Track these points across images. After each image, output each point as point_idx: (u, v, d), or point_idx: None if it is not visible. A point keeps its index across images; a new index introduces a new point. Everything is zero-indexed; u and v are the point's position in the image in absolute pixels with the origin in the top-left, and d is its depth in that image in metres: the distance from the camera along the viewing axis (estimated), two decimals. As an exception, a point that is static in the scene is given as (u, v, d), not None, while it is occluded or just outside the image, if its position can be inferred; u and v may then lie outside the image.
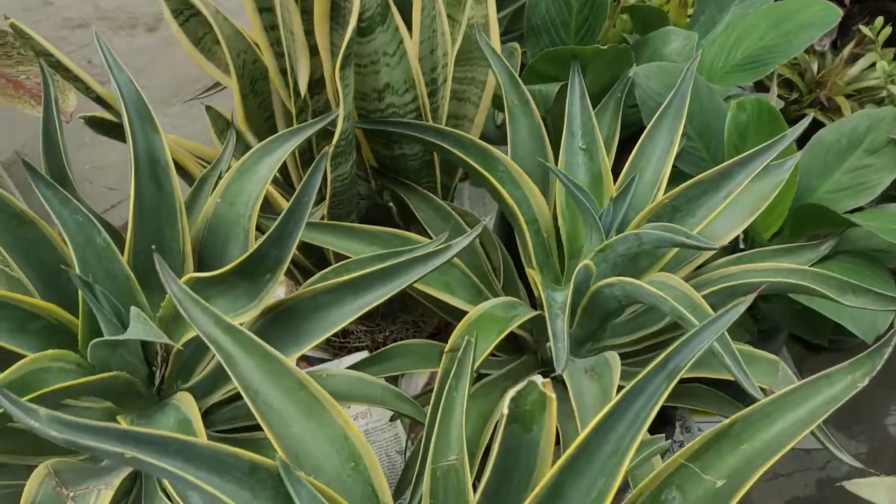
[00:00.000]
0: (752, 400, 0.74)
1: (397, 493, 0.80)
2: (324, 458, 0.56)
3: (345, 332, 1.13)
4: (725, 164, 0.78)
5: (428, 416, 0.67)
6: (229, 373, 0.55)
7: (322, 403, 0.57)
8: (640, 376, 0.49)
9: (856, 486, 0.75)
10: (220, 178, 0.77)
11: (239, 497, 0.45)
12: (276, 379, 0.56)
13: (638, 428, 0.49)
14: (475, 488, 0.54)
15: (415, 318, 1.14)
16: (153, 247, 0.57)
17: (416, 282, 0.67)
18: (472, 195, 1.38)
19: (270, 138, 0.73)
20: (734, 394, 0.86)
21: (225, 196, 0.74)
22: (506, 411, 0.51)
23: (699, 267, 0.86)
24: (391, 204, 1.02)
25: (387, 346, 0.85)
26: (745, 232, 0.99)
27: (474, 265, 0.91)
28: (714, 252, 0.87)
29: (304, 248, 1.04)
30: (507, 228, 1.19)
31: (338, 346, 1.14)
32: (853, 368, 0.54)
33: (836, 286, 0.73)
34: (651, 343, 0.89)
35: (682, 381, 0.87)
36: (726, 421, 0.55)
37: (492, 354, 0.93)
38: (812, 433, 0.72)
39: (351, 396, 0.77)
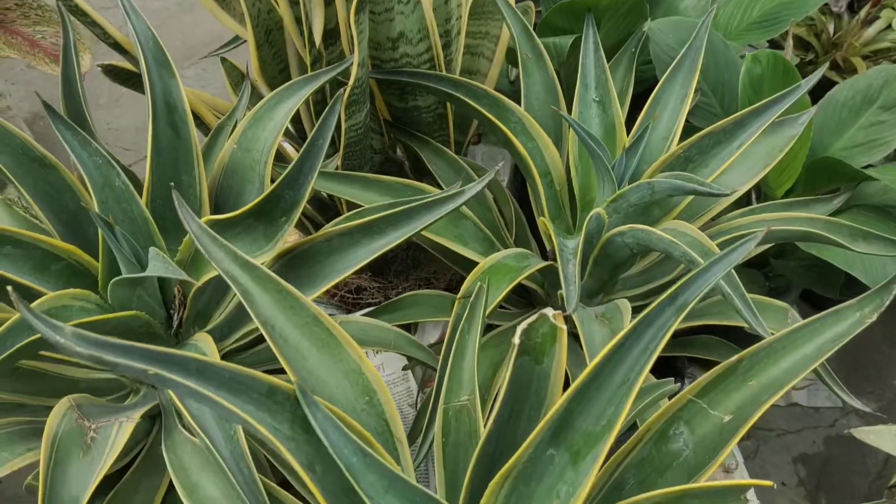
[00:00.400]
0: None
1: (410, 440, 0.81)
2: (338, 391, 0.57)
3: (358, 289, 1.14)
4: (739, 113, 0.78)
5: (441, 358, 0.69)
6: (247, 307, 0.56)
7: (337, 338, 0.58)
8: (649, 308, 0.50)
9: (863, 433, 0.75)
10: (235, 126, 0.78)
11: (256, 418, 0.46)
12: (291, 313, 0.57)
13: (647, 359, 0.49)
14: (486, 422, 0.55)
15: (427, 275, 1.15)
16: (171, 184, 0.58)
17: (428, 226, 0.68)
18: (485, 157, 1.38)
19: (285, 85, 0.74)
20: (746, 346, 0.87)
21: (241, 142, 0.74)
22: (516, 341, 0.51)
23: (712, 220, 0.87)
24: (404, 159, 1.02)
25: (399, 296, 0.86)
26: (758, 189, 0.99)
27: (487, 219, 0.92)
28: (728, 205, 0.87)
29: (319, 204, 1.05)
30: (520, 187, 1.20)
31: (351, 302, 1.15)
32: (862, 305, 0.54)
33: (848, 233, 0.73)
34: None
35: (693, 331, 0.88)
36: (733, 358, 0.56)
37: (502, 307, 0.94)
38: (821, 379, 0.73)
39: (365, 341, 0.79)
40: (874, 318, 0.53)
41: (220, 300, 0.78)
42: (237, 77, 0.94)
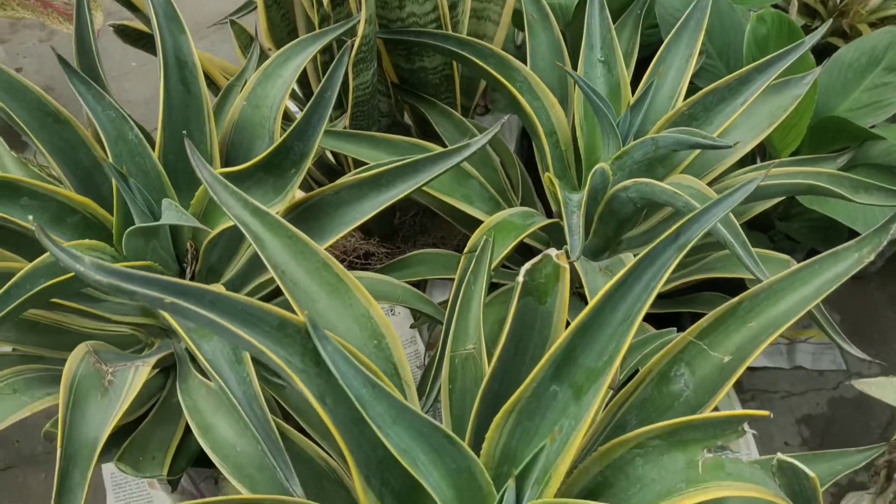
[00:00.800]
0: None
1: (418, 395, 0.83)
2: (348, 334, 0.59)
3: (367, 255, 1.15)
4: (743, 69, 0.79)
5: (447, 309, 0.70)
6: (258, 252, 0.57)
7: (346, 283, 0.60)
8: (650, 246, 0.51)
9: (865, 384, 0.77)
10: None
11: (272, 350, 0.48)
12: (301, 258, 0.59)
13: (647, 296, 0.51)
14: (490, 359, 0.56)
15: (434, 241, 1.16)
16: (183, 132, 0.59)
17: (434, 179, 0.69)
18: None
19: (294, 42, 0.75)
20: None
21: (250, 99, 0.76)
22: (520, 280, 0.53)
23: (716, 178, 0.87)
24: (411, 123, 1.03)
25: (407, 255, 0.87)
26: (764, 151, 1.00)
27: (493, 180, 0.93)
28: (732, 164, 0.88)
29: (327, 169, 1.07)
30: (526, 153, 1.21)
31: (359, 267, 1.16)
32: (861, 245, 0.55)
33: (850, 185, 0.74)
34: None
35: (698, 288, 0.89)
36: (734, 300, 0.57)
37: (507, 267, 0.95)
38: (820, 327, 0.74)
39: (373, 295, 0.80)
40: (871, 258, 0.54)
41: (231, 256, 0.79)
42: (246, 40, 0.95)
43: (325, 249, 0.83)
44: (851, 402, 1.09)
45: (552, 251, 0.54)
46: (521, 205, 0.95)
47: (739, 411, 0.48)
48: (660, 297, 0.90)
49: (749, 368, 1.13)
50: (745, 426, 0.49)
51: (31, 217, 0.44)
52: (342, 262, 1.17)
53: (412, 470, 0.48)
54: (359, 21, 0.75)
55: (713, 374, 0.57)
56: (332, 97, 0.67)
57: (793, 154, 0.96)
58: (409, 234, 1.17)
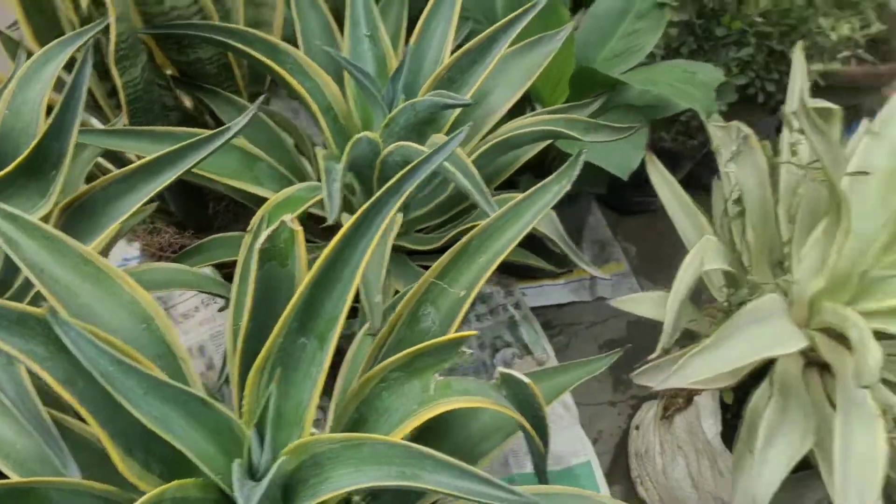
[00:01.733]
0: (559, 258, 0.85)
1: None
2: (116, 322, 0.62)
3: (182, 248, 1.17)
4: (490, 30, 0.85)
5: (233, 286, 0.74)
6: (12, 255, 0.59)
7: (109, 275, 0.62)
8: (374, 197, 0.56)
9: (621, 302, 0.86)
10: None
11: (8, 343, 0.50)
12: (59, 256, 0.61)
13: (370, 243, 0.56)
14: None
15: (247, 227, 1.19)
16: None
17: (202, 161, 0.72)
18: (284, 108, 1.42)
19: (50, 45, 0.76)
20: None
21: (11, 107, 0.76)
22: (258, 247, 0.57)
23: (490, 131, 0.94)
24: (208, 116, 1.05)
25: (202, 241, 0.90)
26: (535, 105, 1.08)
27: (285, 161, 0.97)
28: (501, 117, 0.95)
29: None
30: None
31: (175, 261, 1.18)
32: (559, 179, 0.63)
33: (583, 127, 0.83)
34: (445, 217, 0.97)
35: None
36: (464, 240, 0.64)
37: (310, 241, 1.00)
38: (565, 248, 0.82)
39: (170, 284, 0.83)
40: (569, 186, 0.62)
41: None
42: (13, 48, 0.94)
43: (140, 246, 0.85)
44: (648, 324, 1.19)
45: (287, 217, 0.58)
46: (318, 181, 0.99)
47: (454, 335, 0.54)
48: (434, 252, 0.97)
49: (557, 305, 1.23)
50: (465, 348, 0.56)
51: None
52: (159, 258, 1.18)
53: (165, 435, 0.52)
54: (110, 21, 0.77)
55: (454, 308, 0.63)
56: (81, 95, 0.69)
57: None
58: (223, 223, 1.19)
